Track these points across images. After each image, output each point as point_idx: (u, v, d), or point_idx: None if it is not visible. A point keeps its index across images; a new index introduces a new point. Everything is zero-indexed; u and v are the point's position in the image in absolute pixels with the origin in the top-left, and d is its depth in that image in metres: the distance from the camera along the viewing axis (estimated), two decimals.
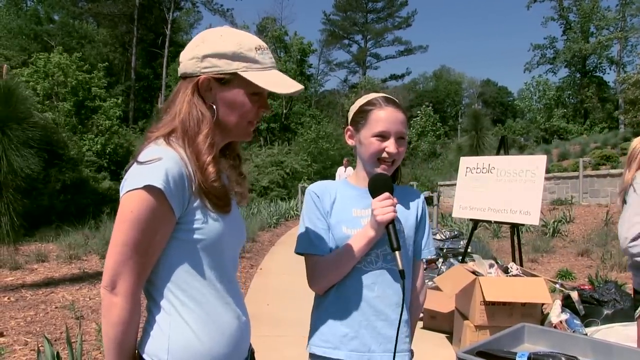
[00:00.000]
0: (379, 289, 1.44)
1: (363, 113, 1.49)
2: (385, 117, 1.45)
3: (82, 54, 23.40)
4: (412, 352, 1.54)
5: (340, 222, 1.48)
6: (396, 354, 1.40)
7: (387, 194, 1.39)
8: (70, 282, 5.83)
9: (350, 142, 1.55)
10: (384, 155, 1.46)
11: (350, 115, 1.55)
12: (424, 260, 1.58)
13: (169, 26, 38.70)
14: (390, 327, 1.43)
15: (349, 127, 1.54)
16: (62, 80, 19.94)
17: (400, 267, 1.33)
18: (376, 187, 1.42)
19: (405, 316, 1.47)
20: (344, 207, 1.50)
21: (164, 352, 1.10)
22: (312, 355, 1.50)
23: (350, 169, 11.83)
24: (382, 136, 1.45)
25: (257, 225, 11.49)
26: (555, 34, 55.08)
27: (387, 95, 1.51)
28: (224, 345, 1.15)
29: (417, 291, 1.59)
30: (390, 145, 1.45)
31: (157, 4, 39.64)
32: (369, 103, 1.49)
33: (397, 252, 1.34)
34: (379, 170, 1.47)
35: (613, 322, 3.88)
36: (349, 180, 1.59)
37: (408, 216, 1.53)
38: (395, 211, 1.37)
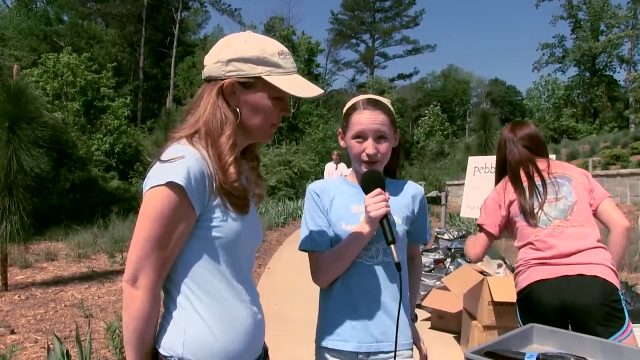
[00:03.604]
0: (381, 282, 1.50)
1: (346, 117, 1.57)
2: (362, 120, 1.51)
3: (90, 54, 23.59)
4: (415, 316, 1.67)
5: (340, 218, 1.54)
6: (398, 342, 1.44)
7: (378, 190, 1.42)
8: (79, 281, 5.89)
9: (342, 143, 1.63)
10: (363, 156, 1.51)
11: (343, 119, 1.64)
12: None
13: (177, 26, 38.89)
14: (394, 317, 1.45)
15: (340, 130, 1.63)
16: (71, 80, 20.13)
17: (396, 259, 1.35)
18: (368, 183, 1.45)
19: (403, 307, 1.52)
20: (342, 204, 1.56)
21: (180, 346, 1.12)
22: (322, 348, 1.52)
23: (342, 164, 11.74)
24: (360, 137, 1.52)
25: (265, 224, 11.51)
26: (564, 33, 54.43)
27: (369, 97, 1.56)
28: (238, 342, 1.16)
29: (419, 269, 1.74)
30: (368, 147, 1.50)
31: (165, 4, 39.83)
32: (351, 107, 1.57)
33: (392, 246, 1.36)
34: (364, 169, 1.52)
35: None
36: (347, 179, 1.65)
37: (405, 207, 1.58)
38: (387, 206, 1.40)
